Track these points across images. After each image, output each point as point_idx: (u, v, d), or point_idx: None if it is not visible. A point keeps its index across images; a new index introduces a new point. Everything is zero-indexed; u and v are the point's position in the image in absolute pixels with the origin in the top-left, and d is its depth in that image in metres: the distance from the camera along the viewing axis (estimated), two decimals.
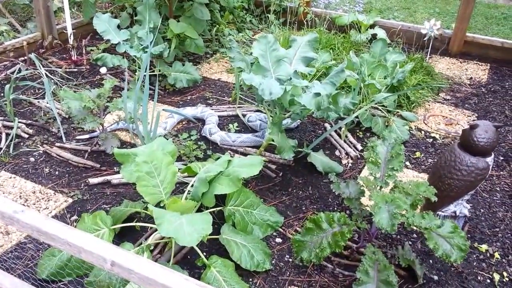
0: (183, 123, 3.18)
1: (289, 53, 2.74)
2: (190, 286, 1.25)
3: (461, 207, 2.17)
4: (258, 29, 4.93)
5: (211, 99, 3.51)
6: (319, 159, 2.67)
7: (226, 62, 4.17)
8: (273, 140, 2.71)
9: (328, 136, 3.00)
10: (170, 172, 2.06)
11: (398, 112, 3.30)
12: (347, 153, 2.87)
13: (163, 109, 2.79)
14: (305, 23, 4.63)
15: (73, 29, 3.93)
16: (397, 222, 1.68)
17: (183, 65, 3.60)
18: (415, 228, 1.89)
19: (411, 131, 3.12)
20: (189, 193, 2.16)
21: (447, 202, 2.14)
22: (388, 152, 2.01)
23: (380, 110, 3.23)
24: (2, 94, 3.32)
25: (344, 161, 2.81)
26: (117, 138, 2.72)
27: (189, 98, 3.52)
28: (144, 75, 2.57)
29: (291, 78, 2.58)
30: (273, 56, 2.67)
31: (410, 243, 2.20)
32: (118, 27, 3.45)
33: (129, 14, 4.09)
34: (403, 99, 3.44)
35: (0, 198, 1.56)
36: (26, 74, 3.24)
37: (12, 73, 3.57)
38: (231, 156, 2.24)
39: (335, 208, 2.43)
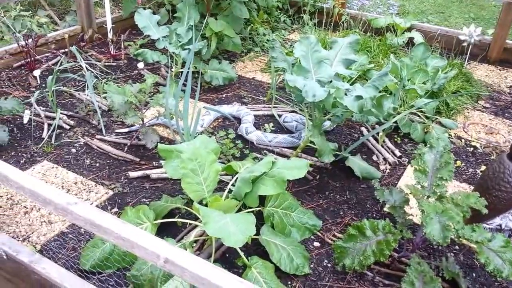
0: (219, 120, 3.19)
1: (330, 54, 2.72)
2: None
3: (507, 220, 2.11)
4: (292, 29, 4.91)
5: (246, 97, 3.51)
6: (357, 164, 2.64)
7: (260, 61, 4.17)
8: (311, 142, 2.70)
9: (365, 140, 2.97)
10: (213, 171, 2.06)
11: (437, 118, 3.24)
12: (385, 159, 2.83)
13: (203, 107, 2.80)
14: (341, 24, 4.58)
15: (112, 24, 3.98)
16: (449, 234, 1.64)
17: (220, 63, 3.61)
18: (463, 241, 1.84)
19: (450, 139, 3.06)
20: (230, 192, 2.16)
21: (493, 215, 2.08)
22: (436, 161, 1.97)
23: (419, 116, 3.18)
24: (44, 85, 3.39)
25: (382, 167, 2.77)
26: (156, 133, 2.74)
27: (224, 96, 3.52)
28: (187, 72, 2.57)
29: (331, 81, 2.56)
30: (314, 57, 2.64)
31: (452, 255, 2.16)
32: (158, 23, 3.48)
33: (167, 11, 4.12)
34: (442, 106, 3.37)
35: (54, 190, 1.58)
36: (67, 67, 3.30)
37: (54, 64, 3.64)
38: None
39: (374, 215, 2.39)
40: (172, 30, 3.48)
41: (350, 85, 2.58)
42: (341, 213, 2.40)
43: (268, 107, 3.33)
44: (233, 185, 2.18)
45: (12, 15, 4.23)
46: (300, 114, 3.21)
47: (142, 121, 2.74)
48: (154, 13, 3.79)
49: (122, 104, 2.61)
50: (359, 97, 2.35)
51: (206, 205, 2.00)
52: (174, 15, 3.69)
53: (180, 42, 3.44)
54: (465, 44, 4.01)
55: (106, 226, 1.44)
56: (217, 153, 2.19)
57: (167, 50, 3.41)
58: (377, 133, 3.00)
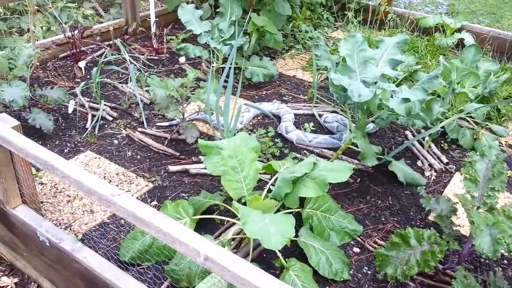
0: (258, 118, 3.16)
1: (376, 54, 2.63)
2: None
3: None
4: (335, 27, 4.81)
5: (286, 96, 3.46)
6: (401, 169, 2.55)
7: (301, 59, 4.11)
8: (352, 144, 2.62)
9: (410, 144, 2.86)
10: (253, 169, 2.04)
11: (487, 125, 3.08)
12: (430, 165, 2.72)
13: (244, 103, 2.78)
14: (386, 23, 4.45)
15: (155, 18, 4.02)
16: (500, 248, 1.54)
17: (261, 59, 3.58)
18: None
19: (501, 147, 2.90)
20: (269, 192, 2.13)
21: None
22: (488, 170, 1.86)
23: (468, 122, 3.03)
24: (88, 76, 3.47)
25: (427, 173, 2.66)
26: (196, 128, 2.75)
27: (264, 93, 3.49)
28: (229, 68, 2.56)
29: (376, 82, 2.48)
30: (360, 56, 2.57)
31: (500, 269, 2.04)
32: (200, 18, 3.49)
33: (210, 5, 4.12)
34: (492, 112, 3.21)
35: (99, 181, 1.60)
36: (111, 59, 3.36)
37: (98, 56, 3.72)
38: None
39: (418, 223, 2.30)
40: (214, 25, 3.47)
41: (396, 86, 2.49)
42: (383, 219, 2.32)
43: (309, 106, 3.27)
44: (272, 184, 2.14)
45: (58, 7, 4.35)
46: (342, 114, 3.13)
47: (183, 115, 2.75)
48: (197, 7, 3.81)
49: (164, 97, 2.63)
50: (406, 100, 2.26)
51: (244, 204, 1.98)
52: (217, 10, 3.69)
53: (222, 37, 3.43)
54: None
55: (148, 220, 1.44)
56: (257, 151, 2.17)
57: (209, 45, 3.41)
58: (423, 138, 2.89)
